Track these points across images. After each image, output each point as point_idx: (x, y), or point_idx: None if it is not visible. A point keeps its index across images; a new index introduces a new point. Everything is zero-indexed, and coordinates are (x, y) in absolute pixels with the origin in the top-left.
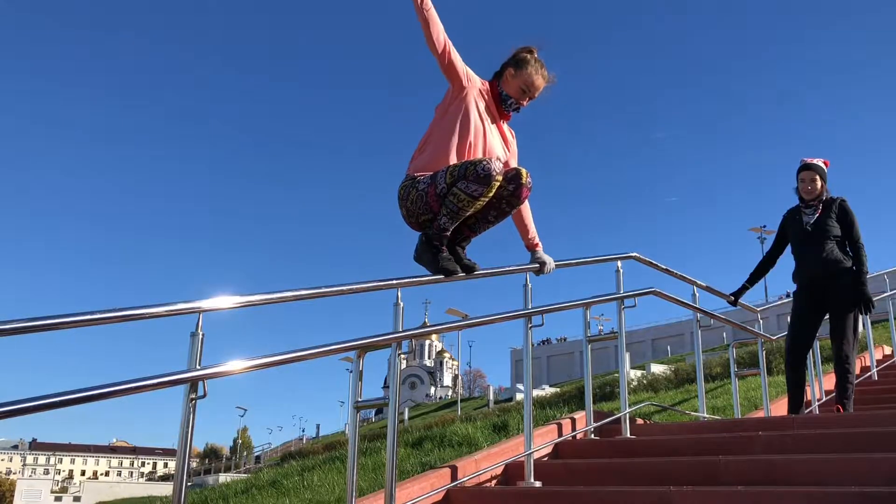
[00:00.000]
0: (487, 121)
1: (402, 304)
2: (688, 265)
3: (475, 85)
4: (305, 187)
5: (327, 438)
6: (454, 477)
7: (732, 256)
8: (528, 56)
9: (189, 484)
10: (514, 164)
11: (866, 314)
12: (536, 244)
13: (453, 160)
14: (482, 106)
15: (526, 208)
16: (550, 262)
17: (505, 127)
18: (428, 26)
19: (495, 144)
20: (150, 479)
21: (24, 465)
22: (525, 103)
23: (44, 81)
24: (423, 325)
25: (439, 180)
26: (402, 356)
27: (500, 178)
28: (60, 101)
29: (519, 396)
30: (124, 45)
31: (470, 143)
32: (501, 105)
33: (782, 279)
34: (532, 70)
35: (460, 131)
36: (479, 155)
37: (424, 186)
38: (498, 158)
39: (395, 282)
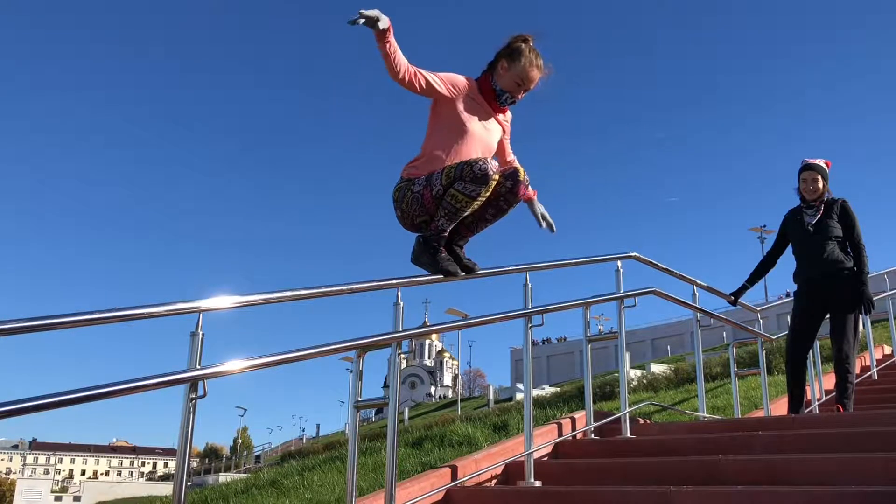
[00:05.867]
0: (480, 121)
1: (402, 303)
2: (688, 265)
3: (462, 90)
4: (306, 186)
5: (327, 438)
6: (454, 477)
7: (732, 256)
8: (523, 46)
9: (189, 484)
10: (506, 139)
11: (867, 314)
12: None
13: (448, 164)
14: (474, 107)
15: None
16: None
17: (501, 116)
18: (390, 64)
19: (493, 141)
20: (150, 479)
21: (24, 464)
22: (521, 96)
23: (43, 82)
24: (423, 325)
25: (435, 182)
26: (402, 356)
27: (497, 176)
28: (60, 101)
29: (519, 396)
30: (123, 45)
31: (465, 148)
32: (496, 100)
33: (782, 279)
34: (526, 62)
35: (454, 137)
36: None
37: (420, 188)
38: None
39: (395, 282)
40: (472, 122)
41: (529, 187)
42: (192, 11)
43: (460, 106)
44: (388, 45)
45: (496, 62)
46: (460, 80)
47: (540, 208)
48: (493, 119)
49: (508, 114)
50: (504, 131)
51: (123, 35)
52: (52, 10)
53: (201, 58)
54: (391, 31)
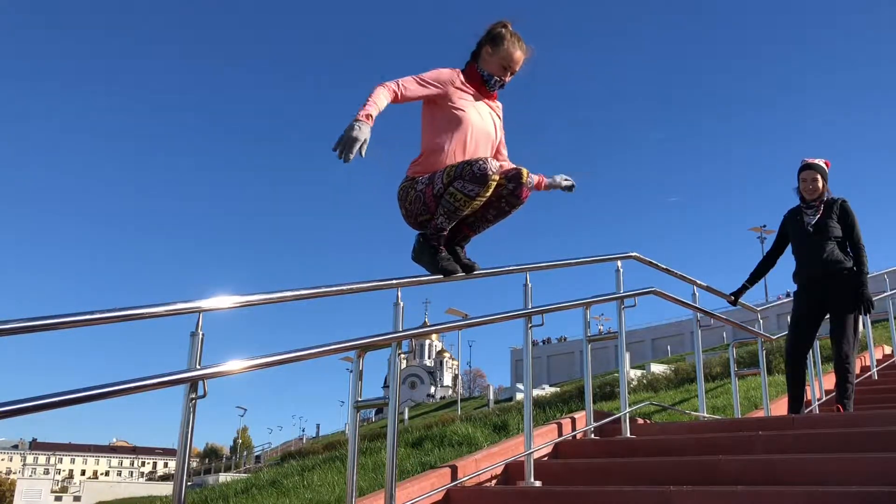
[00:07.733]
0: (473, 107)
1: (402, 303)
2: (688, 265)
3: (451, 83)
4: (306, 186)
5: (327, 438)
6: (454, 477)
7: (732, 256)
8: (504, 31)
9: (189, 484)
10: (500, 135)
11: (866, 314)
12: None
13: (451, 159)
14: (464, 95)
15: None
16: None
17: (493, 104)
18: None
19: (489, 126)
20: (150, 479)
21: (24, 464)
22: (508, 79)
23: (44, 80)
24: (423, 325)
25: (437, 180)
26: (402, 356)
27: (496, 177)
28: (60, 99)
29: (519, 396)
30: (124, 43)
31: (465, 140)
32: (484, 86)
33: (782, 279)
34: (509, 45)
35: (451, 128)
36: (478, 151)
37: (422, 187)
38: (495, 158)
39: (395, 282)
40: (466, 110)
41: (532, 179)
42: (198, 10)
43: (451, 97)
44: (374, 115)
45: (479, 49)
46: (444, 72)
47: (559, 181)
48: (484, 103)
49: (499, 103)
50: (499, 117)
51: (127, 32)
52: (54, 11)
53: (202, 56)
54: (370, 117)
